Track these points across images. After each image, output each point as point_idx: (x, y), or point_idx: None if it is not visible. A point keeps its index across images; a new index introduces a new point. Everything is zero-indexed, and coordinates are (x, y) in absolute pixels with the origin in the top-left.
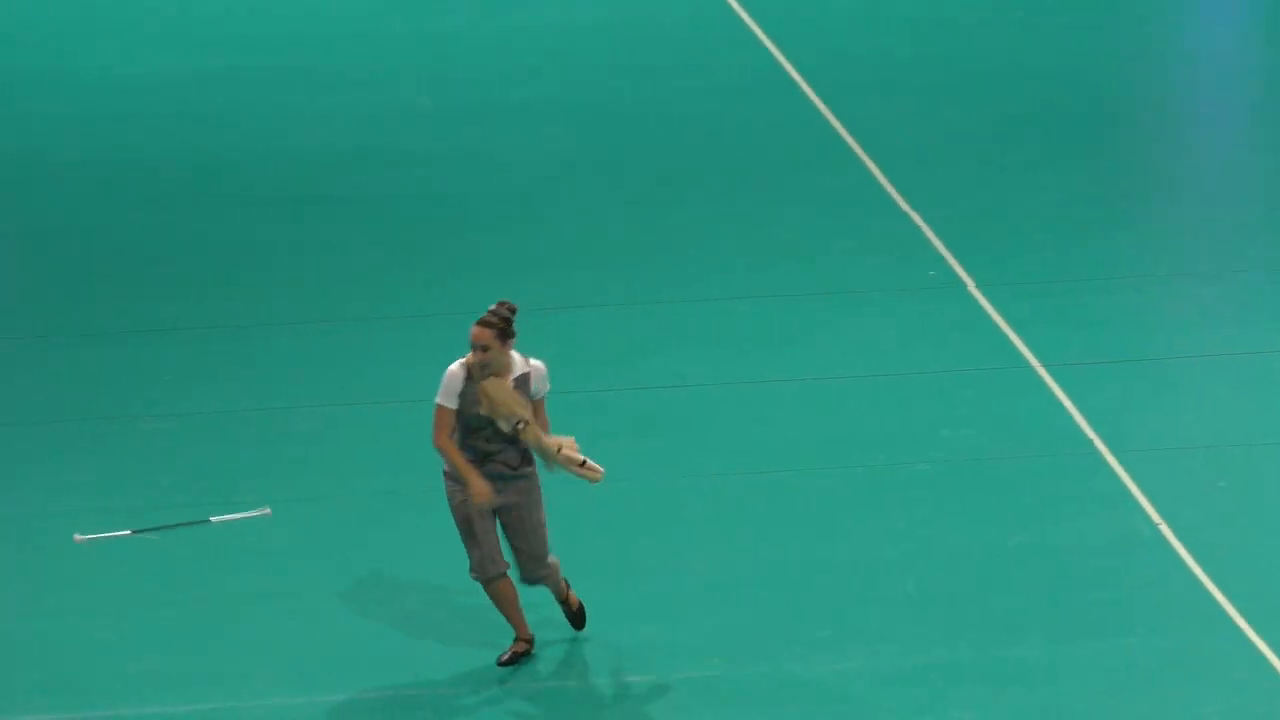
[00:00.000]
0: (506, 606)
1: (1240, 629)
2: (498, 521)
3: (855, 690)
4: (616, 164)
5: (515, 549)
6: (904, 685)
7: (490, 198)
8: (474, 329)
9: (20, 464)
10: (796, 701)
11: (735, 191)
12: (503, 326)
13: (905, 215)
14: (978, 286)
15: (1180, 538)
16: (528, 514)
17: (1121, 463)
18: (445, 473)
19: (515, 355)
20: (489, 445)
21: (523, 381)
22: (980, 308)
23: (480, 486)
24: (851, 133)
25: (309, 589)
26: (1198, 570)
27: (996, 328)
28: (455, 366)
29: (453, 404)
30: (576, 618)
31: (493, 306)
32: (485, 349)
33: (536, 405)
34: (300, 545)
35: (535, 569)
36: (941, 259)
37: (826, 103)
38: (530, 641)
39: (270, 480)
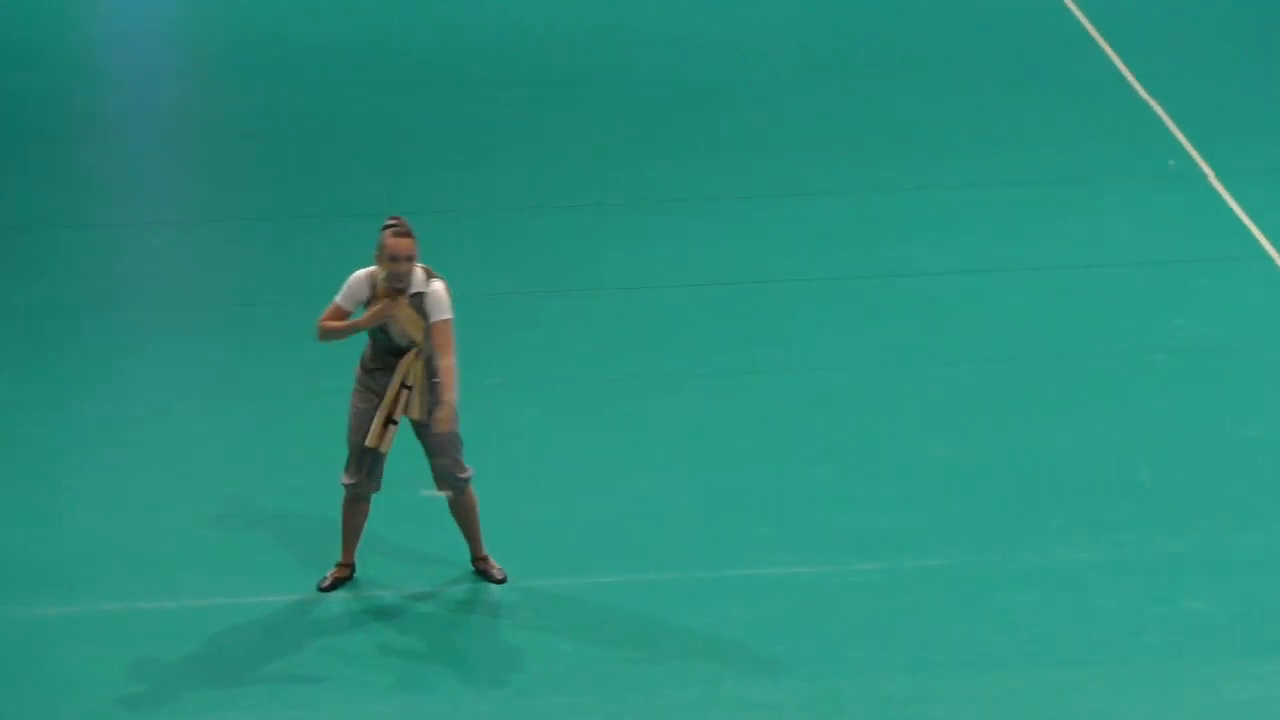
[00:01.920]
0: (351, 529)
1: None
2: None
3: (1087, 579)
4: (852, 51)
5: (434, 464)
6: (1136, 574)
7: (726, 83)
8: (397, 240)
9: (256, 343)
10: (1028, 590)
11: (972, 79)
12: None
13: (1144, 103)
14: (1218, 176)
15: None
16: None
17: None
18: (357, 374)
19: (419, 272)
20: (393, 346)
21: (418, 301)
22: (1220, 197)
23: (391, 305)
24: (1090, 19)
25: (555, 473)
26: None
27: (1236, 218)
28: (362, 273)
29: (348, 305)
30: (487, 575)
31: (396, 220)
32: (410, 259)
33: (432, 328)
34: (544, 429)
35: (450, 481)
36: (1181, 148)
37: None
38: (352, 567)
39: (510, 363)
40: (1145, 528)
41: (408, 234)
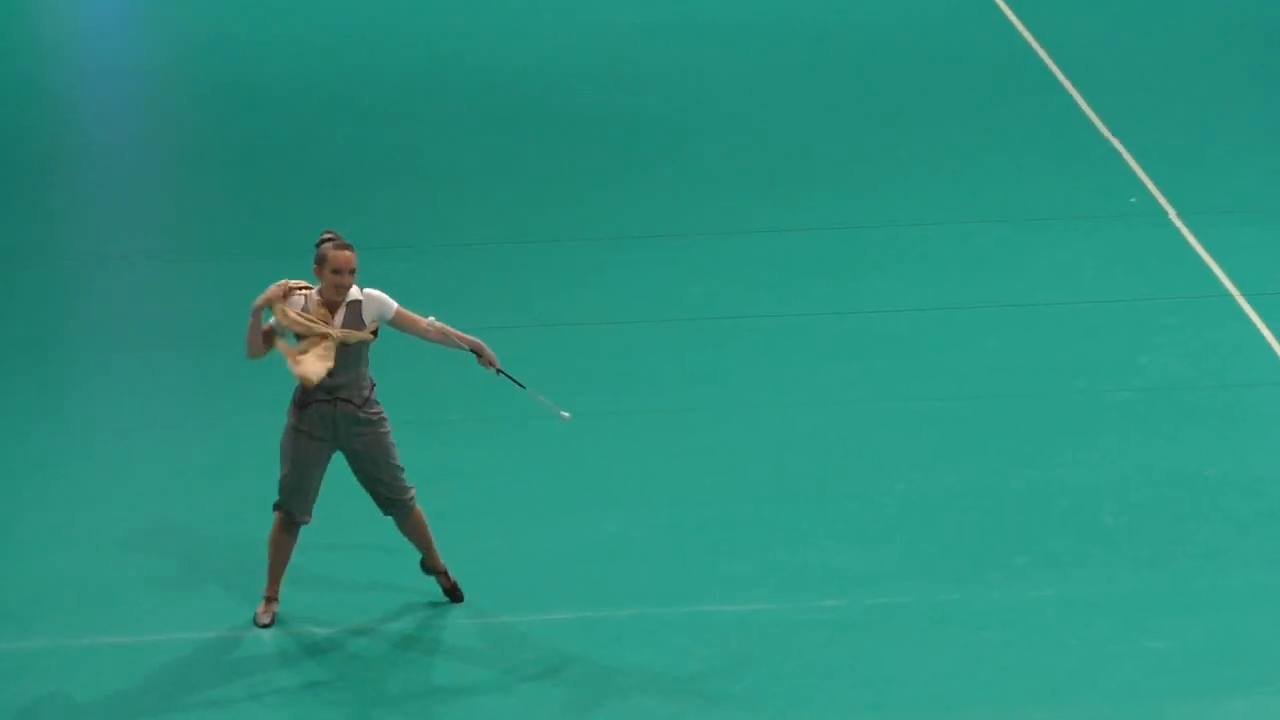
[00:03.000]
0: (280, 559)
1: None
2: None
3: (1048, 617)
4: (819, 88)
5: (373, 492)
6: (1098, 613)
7: (695, 119)
8: (340, 252)
9: (229, 381)
10: (989, 628)
11: (936, 116)
12: None
13: (1106, 141)
14: (1179, 214)
15: None
16: (380, 456)
17: None
18: (290, 415)
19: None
20: (333, 378)
21: (355, 310)
22: (1181, 235)
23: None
24: (1053, 57)
25: (513, 509)
26: None
27: (1197, 256)
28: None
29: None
30: (451, 591)
31: (332, 233)
32: (353, 271)
33: (396, 319)
34: (504, 464)
35: (392, 504)
36: (1142, 185)
37: (1027, 25)
38: (276, 599)
39: (469, 398)
40: (1107, 566)
41: (349, 246)
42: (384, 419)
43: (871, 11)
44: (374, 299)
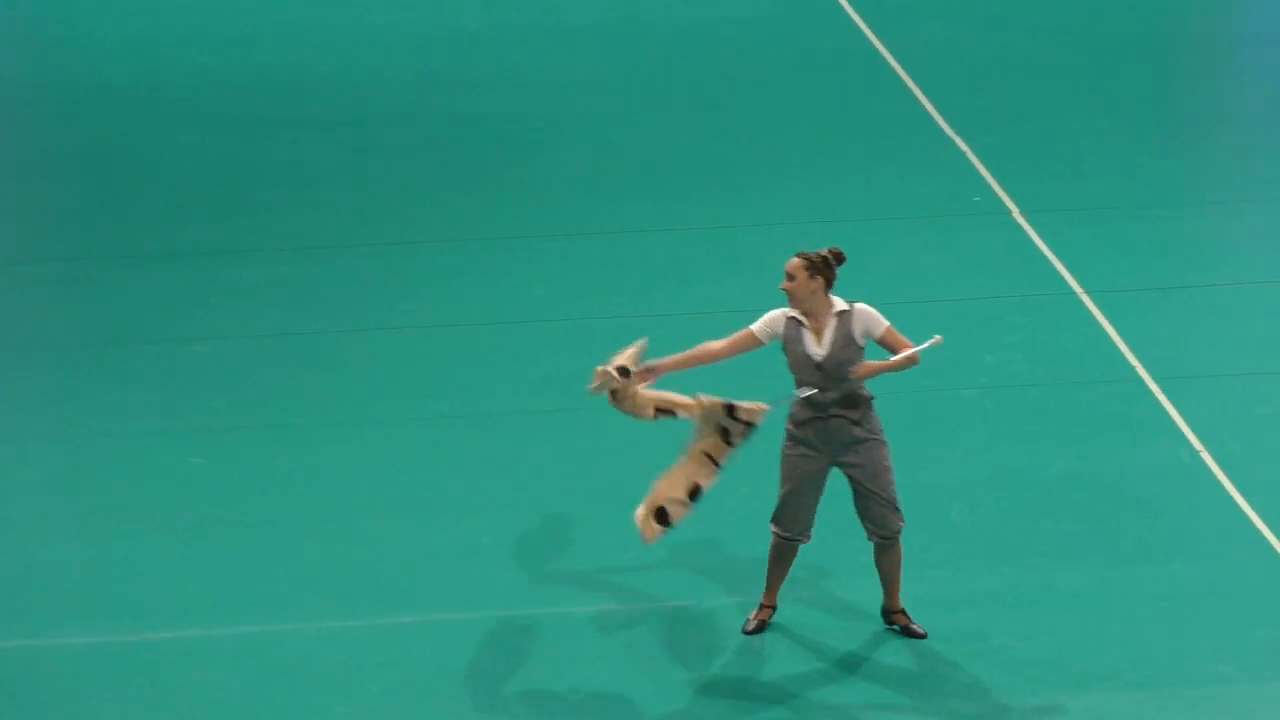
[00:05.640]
0: (780, 570)
1: None
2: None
3: None
4: (664, 89)
5: (862, 516)
6: (949, 611)
7: (536, 122)
8: (790, 261)
9: (71, 385)
10: (842, 630)
11: (780, 117)
12: (817, 264)
13: (950, 141)
14: (1022, 213)
15: (1222, 465)
16: (875, 478)
17: (1164, 390)
18: (788, 429)
19: (834, 299)
20: (823, 396)
21: (844, 321)
22: (1025, 234)
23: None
24: (896, 58)
25: (363, 513)
26: (1239, 498)
27: (1041, 254)
28: (779, 312)
29: (762, 336)
30: (908, 630)
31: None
32: (790, 278)
33: (884, 340)
34: (354, 468)
35: (891, 522)
36: (986, 185)
37: (871, 27)
38: (775, 608)
39: (321, 403)
40: (957, 564)
41: (803, 255)
42: (882, 439)
43: (717, 13)
44: (864, 314)
